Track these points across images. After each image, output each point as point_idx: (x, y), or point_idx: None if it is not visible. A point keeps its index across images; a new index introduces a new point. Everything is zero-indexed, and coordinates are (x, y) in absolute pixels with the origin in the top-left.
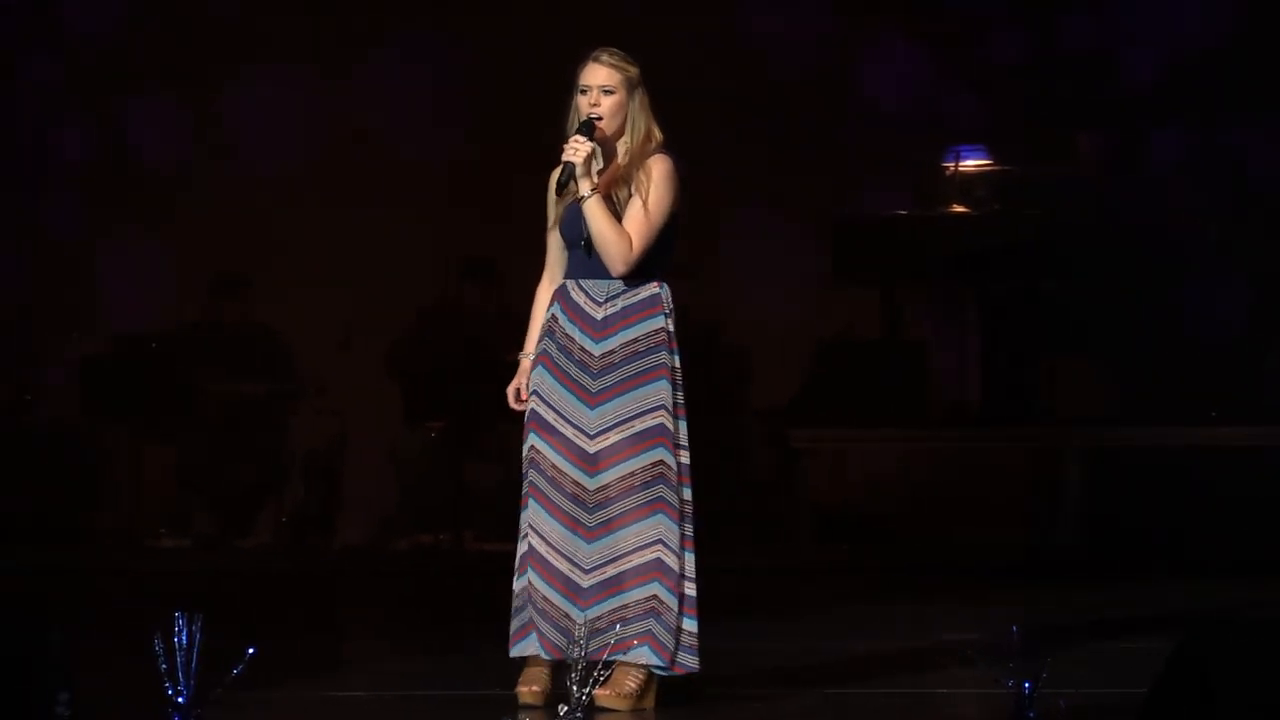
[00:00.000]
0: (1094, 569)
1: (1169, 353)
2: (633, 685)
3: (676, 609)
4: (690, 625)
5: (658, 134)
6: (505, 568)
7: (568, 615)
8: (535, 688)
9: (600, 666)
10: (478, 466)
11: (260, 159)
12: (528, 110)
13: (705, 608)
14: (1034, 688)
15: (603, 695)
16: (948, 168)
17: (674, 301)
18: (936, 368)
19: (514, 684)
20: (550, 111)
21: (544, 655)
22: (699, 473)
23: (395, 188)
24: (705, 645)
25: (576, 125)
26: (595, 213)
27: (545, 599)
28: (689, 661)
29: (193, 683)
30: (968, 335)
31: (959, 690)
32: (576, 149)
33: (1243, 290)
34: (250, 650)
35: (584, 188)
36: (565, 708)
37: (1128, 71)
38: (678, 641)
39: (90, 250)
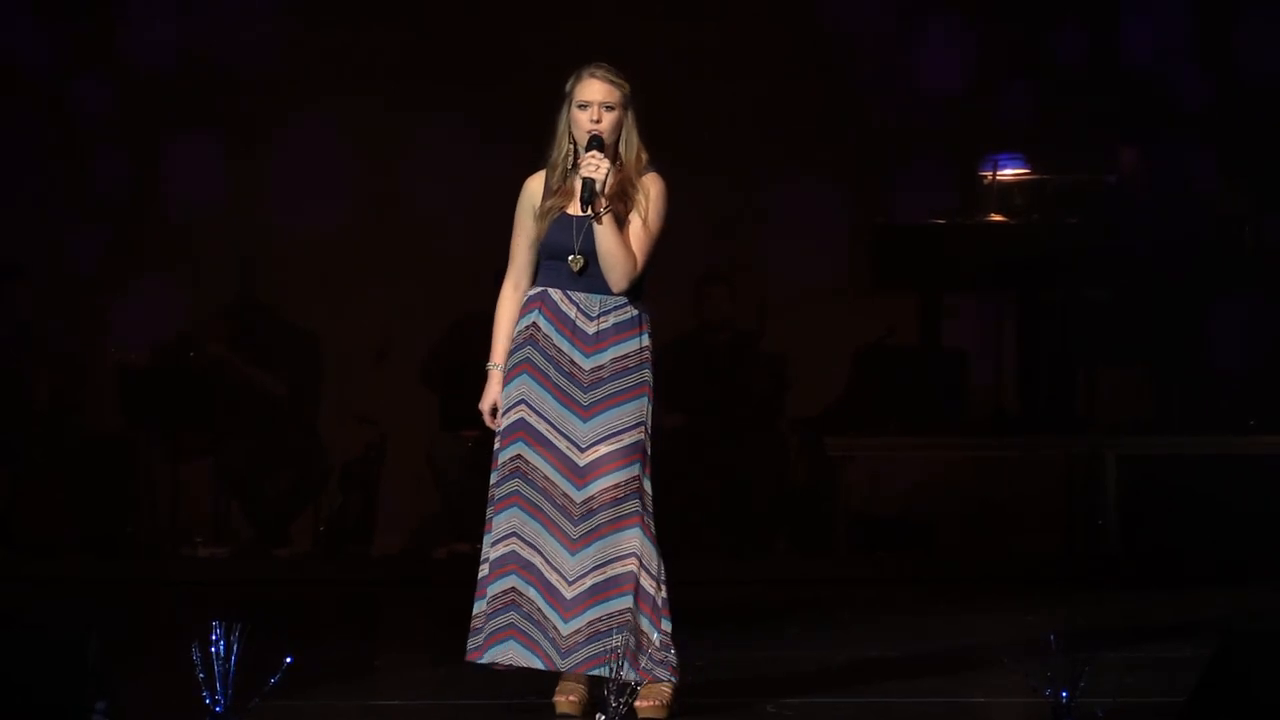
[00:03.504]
0: (1132, 577)
1: (1208, 361)
2: (669, 693)
3: (650, 625)
4: (668, 626)
5: (644, 152)
6: None
7: (555, 627)
8: (572, 697)
9: (635, 682)
10: None
11: (295, 167)
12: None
13: (743, 615)
14: (1071, 696)
15: (645, 707)
16: (986, 176)
17: (713, 310)
18: (975, 376)
19: (551, 693)
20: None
21: (538, 665)
22: (736, 481)
23: (431, 194)
24: (743, 654)
25: (584, 142)
26: (608, 231)
27: (540, 610)
28: (666, 671)
29: (230, 692)
30: (1006, 343)
31: (997, 699)
32: (597, 165)
33: None
34: (287, 659)
35: (597, 205)
36: (603, 717)
37: (1166, 79)
38: (650, 654)
39: (126, 260)
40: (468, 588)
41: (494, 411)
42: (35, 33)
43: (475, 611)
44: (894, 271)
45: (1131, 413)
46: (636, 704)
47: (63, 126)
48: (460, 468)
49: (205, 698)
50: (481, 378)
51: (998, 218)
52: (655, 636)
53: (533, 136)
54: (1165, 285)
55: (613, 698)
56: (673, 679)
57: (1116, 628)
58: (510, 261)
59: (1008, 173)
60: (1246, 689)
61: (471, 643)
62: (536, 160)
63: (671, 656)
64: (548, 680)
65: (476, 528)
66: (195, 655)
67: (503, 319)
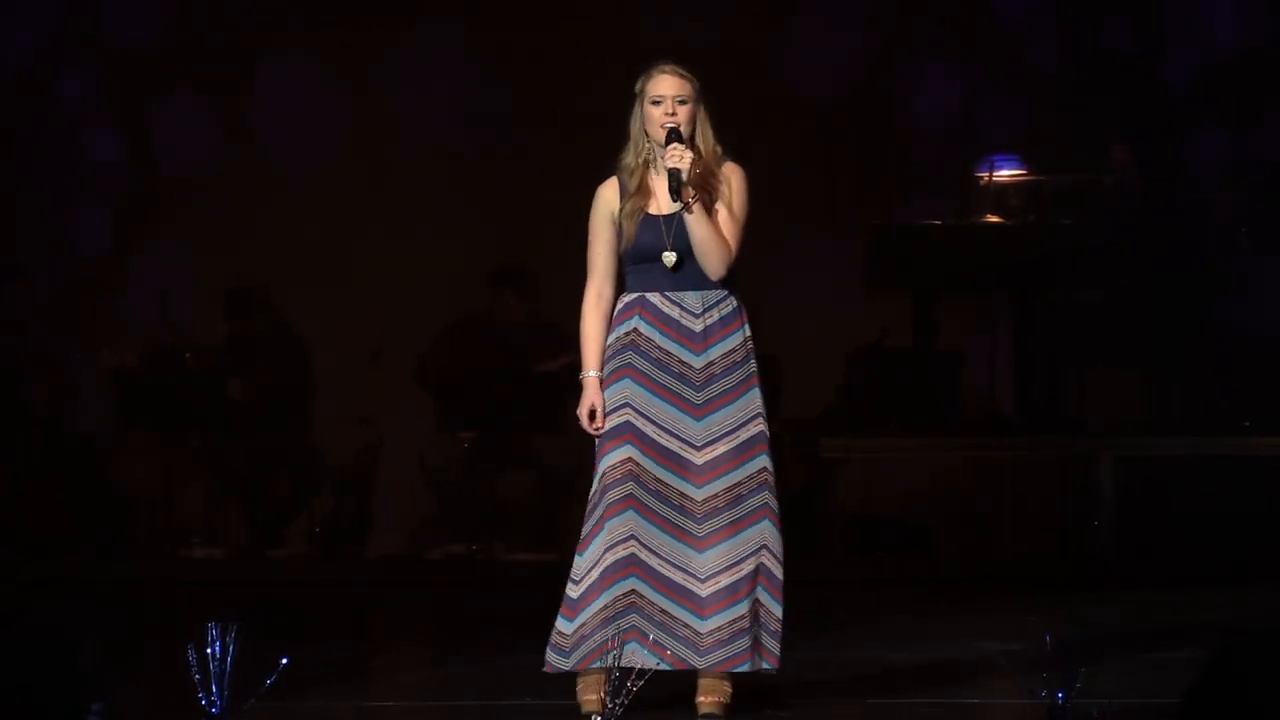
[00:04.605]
0: (1128, 577)
1: (1203, 362)
2: (729, 689)
3: (779, 614)
4: (780, 610)
5: (719, 144)
6: (537, 577)
7: (688, 625)
8: (591, 696)
9: (636, 675)
10: (510, 476)
11: (291, 169)
12: (561, 116)
13: None
14: (1067, 698)
15: (706, 703)
16: (982, 177)
17: None
18: (970, 377)
19: (544, 694)
20: (580, 117)
21: (664, 666)
22: None
23: (427, 195)
24: None
25: (659, 138)
26: (700, 220)
27: (663, 611)
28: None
29: (226, 692)
30: (1001, 345)
31: (993, 700)
32: (682, 156)
33: (1277, 296)
34: (283, 660)
35: (685, 195)
36: (598, 718)
37: (1164, 78)
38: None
39: (121, 262)
40: (463, 589)
41: (592, 415)
42: (10, 23)
43: (568, 630)
44: (889, 272)
45: (1126, 414)
46: (698, 699)
47: (47, 117)
48: (456, 469)
49: (201, 698)
50: (473, 381)
51: (993, 218)
52: (779, 618)
53: (529, 140)
54: (1160, 286)
55: (608, 698)
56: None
57: (1112, 628)
58: (591, 271)
59: (1004, 173)
60: (1243, 690)
61: (568, 658)
62: (530, 159)
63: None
64: (542, 682)
65: (473, 529)
66: (191, 656)
67: (591, 328)
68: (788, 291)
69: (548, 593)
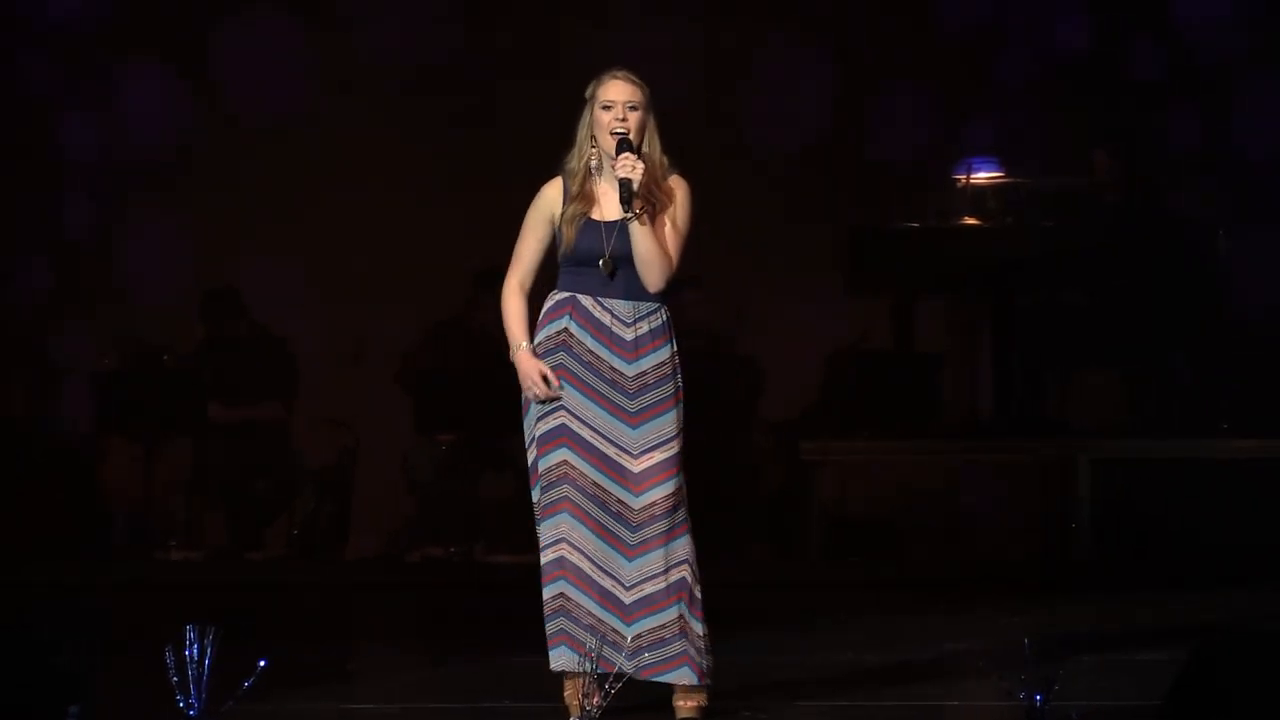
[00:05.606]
0: (1106, 580)
1: (1180, 365)
2: (707, 693)
3: (700, 630)
4: (702, 629)
5: (665, 154)
6: (516, 580)
7: (616, 630)
8: (691, 702)
9: (613, 679)
10: (489, 479)
11: (269, 170)
12: (546, 121)
13: (717, 620)
14: (1046, 699)
15: (687, 707)
16: (960, 179)
17: (685, 312)
18: (949, 379)
19: (524, 695)
20: (565, 122)
21: (589, 668)
22: (711, 485)
23: (409, 198)
24: (718, 659)
25: (608, 144)
26: (645, 232)
27: (590, 614)
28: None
29: (203, 695)
30: (981, 347)
31: (971, 702)
32: (633, 166)
33: (1255, 300)
34: (262, 663)
35: (635, 206)
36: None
37: (1141, 79)
38: (705, 658)
39: (105, 249)
40: (441, 591)
41: (545, 379)
42: None
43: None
44: (868, 274)
45: (1105, 417)
46: (676, 703)
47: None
48: (435, 471)
49: (179, 701)
50: (454, 382)
51: (972, 221)
52: (702, 635)
53: (514, 140)
54: (1141, 289)
55: (585, 700)
56: (709, 682)
57: (1091, 631)
58: (515, 260)
59: (982, 176)
60: (1221, 691)
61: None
62: (512, 160)
63: (710, 658)
64: (525, 683)
65: (451, 531)
66: (169, 659)
67: (514, 309)
68: (769, 293)
69: (529, 594)
